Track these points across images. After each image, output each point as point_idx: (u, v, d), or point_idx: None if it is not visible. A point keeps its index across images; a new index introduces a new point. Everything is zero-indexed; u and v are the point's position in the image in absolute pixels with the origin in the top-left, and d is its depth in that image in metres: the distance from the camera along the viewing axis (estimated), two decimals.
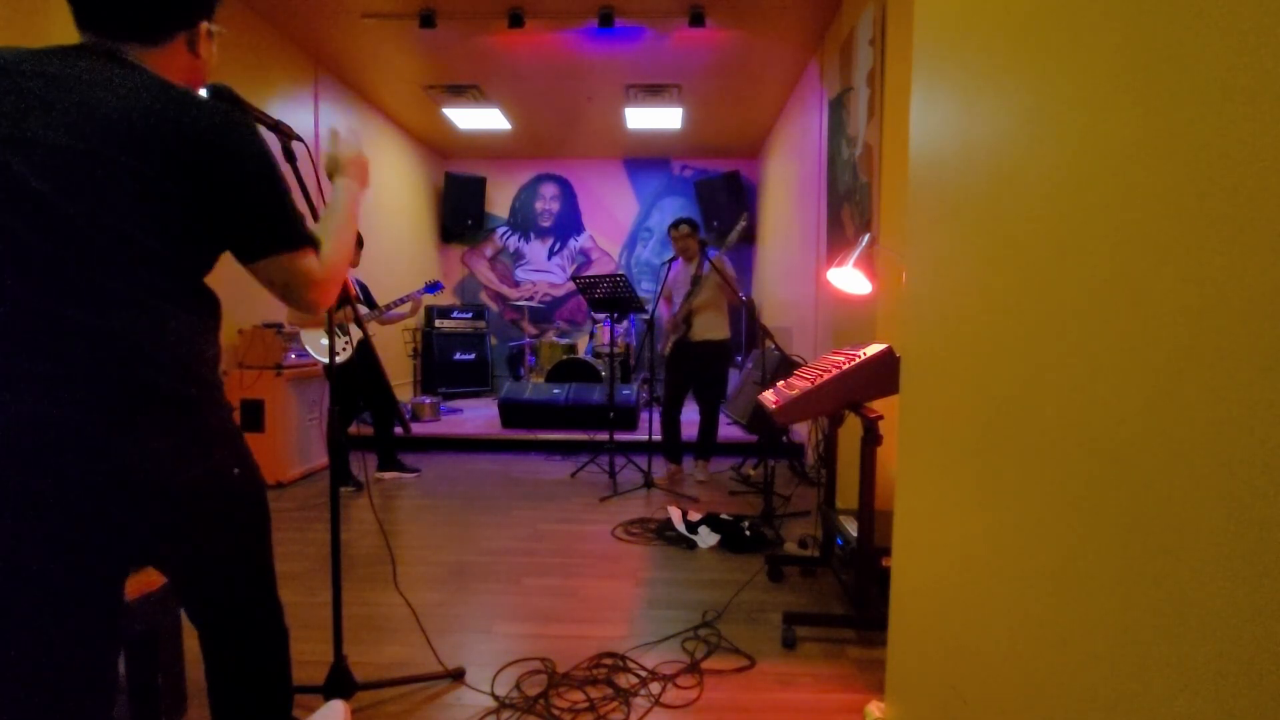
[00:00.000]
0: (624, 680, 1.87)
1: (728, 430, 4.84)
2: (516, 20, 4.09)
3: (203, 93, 1.13)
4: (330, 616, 1.68)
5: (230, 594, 1.16)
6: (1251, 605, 0.57)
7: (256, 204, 1.02)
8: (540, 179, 7.84)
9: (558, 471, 4.42)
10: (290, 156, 1.34)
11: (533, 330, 7.60)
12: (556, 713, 1.70)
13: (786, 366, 3.80)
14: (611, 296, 4.09)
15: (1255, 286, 0.58)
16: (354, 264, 3.85)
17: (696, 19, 4.08)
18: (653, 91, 5.49)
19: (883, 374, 1.98)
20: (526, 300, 7.68)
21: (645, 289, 7.54)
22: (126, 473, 0.91)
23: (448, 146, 7.32)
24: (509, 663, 1.95)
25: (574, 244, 7.86)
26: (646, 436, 4.38)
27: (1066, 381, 0.85)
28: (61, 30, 0.99)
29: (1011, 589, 0.98)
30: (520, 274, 7.92)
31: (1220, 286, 0.61)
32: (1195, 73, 0.65)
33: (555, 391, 5.41)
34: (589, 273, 7.33)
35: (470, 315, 7.32)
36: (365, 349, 3.65)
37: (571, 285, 7.66)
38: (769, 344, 3.61)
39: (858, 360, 2.01)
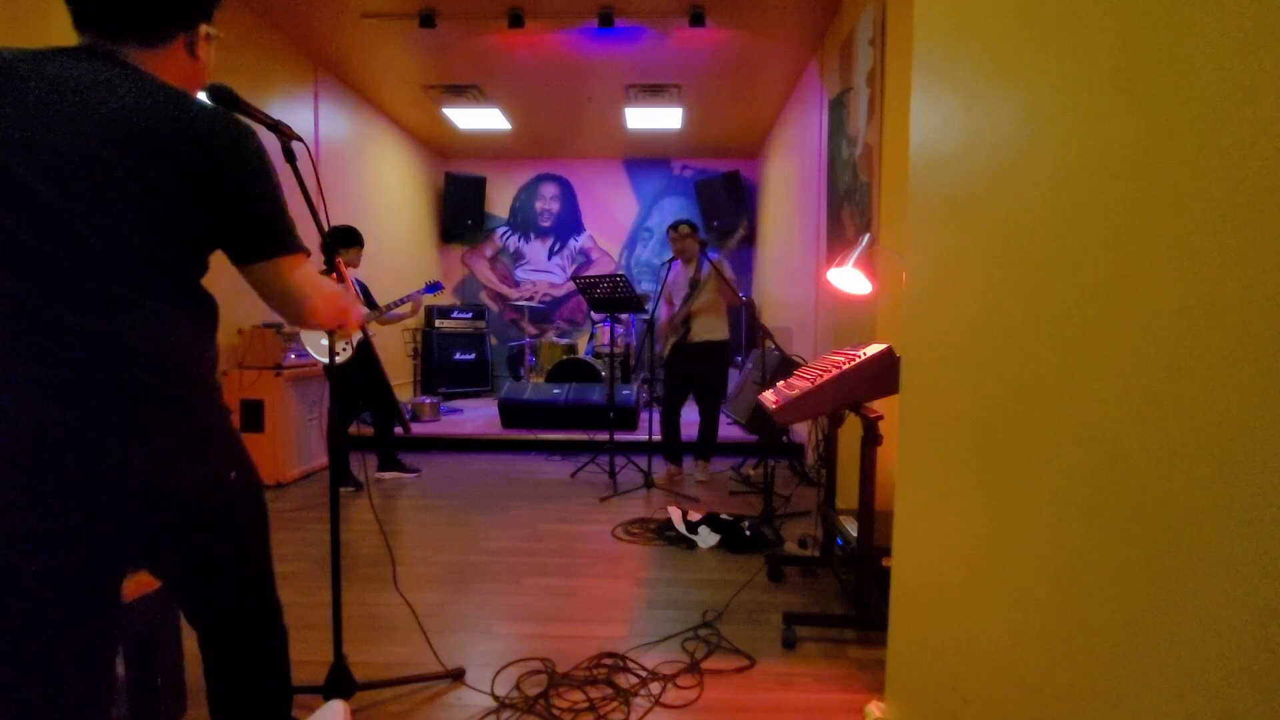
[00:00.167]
0: (624, 680, 1.87)
1: (728, 430, 4.84)
2: (516, 20, 4.09)
3: (202, 95, 1.13)
4: (330, 616, 1.68)
5: (229, 595, 1.16)
6: (1251, 605, 0.57)
7: (253, 206, 1.03)
8: (540, 179, 7.84)
9: (558, 471, 4.42)
10: (290, 156, 1.34)
11: (533, 330, 7.60)
12: (556, 713, 1.70)
13: (786, 366, 3.80)
14: (611, 296, 4.09)
15: (1255, 286, 0.58)
16: (354, 264, 3.86)
17: (696, 19, 4.08)
18: (653, 91, 5.49)
19: (883, 374, 1.98)
20: (526, 300, 7.68)
21: (645, 289, 7.53)
22: (125, 475, 0.91)
23: (448, 146, 7.32)
24: (509, 663, 1.95)
25: (574, 244, 7.86)
26: (646, 436, 4.38)
27: (1066, 381, 0.85)
28: (61, 31, 1.00)
29: (1011, 589, 0.98)
30: (520, 274, 7.92)
31: (1220, 286, 0.61)
32: (1195, 73, 0.65)
33: (555, 391, 5.41)
34: (589, 273, 7.33)
35: (470, 315, 7.32)
36: (365, 349, 3.65)
37: (571, 285, 7.66)
38: (769, 344, 3.62)
39: (858, 360, 2.01)
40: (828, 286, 3.03)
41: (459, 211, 7.51)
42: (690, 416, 4.25)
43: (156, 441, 0.94)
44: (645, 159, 7.69)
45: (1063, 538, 0.85)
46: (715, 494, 3.87)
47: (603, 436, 4.46)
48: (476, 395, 7.21)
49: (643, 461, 4.25)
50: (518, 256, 7.91)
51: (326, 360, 1.98)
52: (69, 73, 0.93)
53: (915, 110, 1.42)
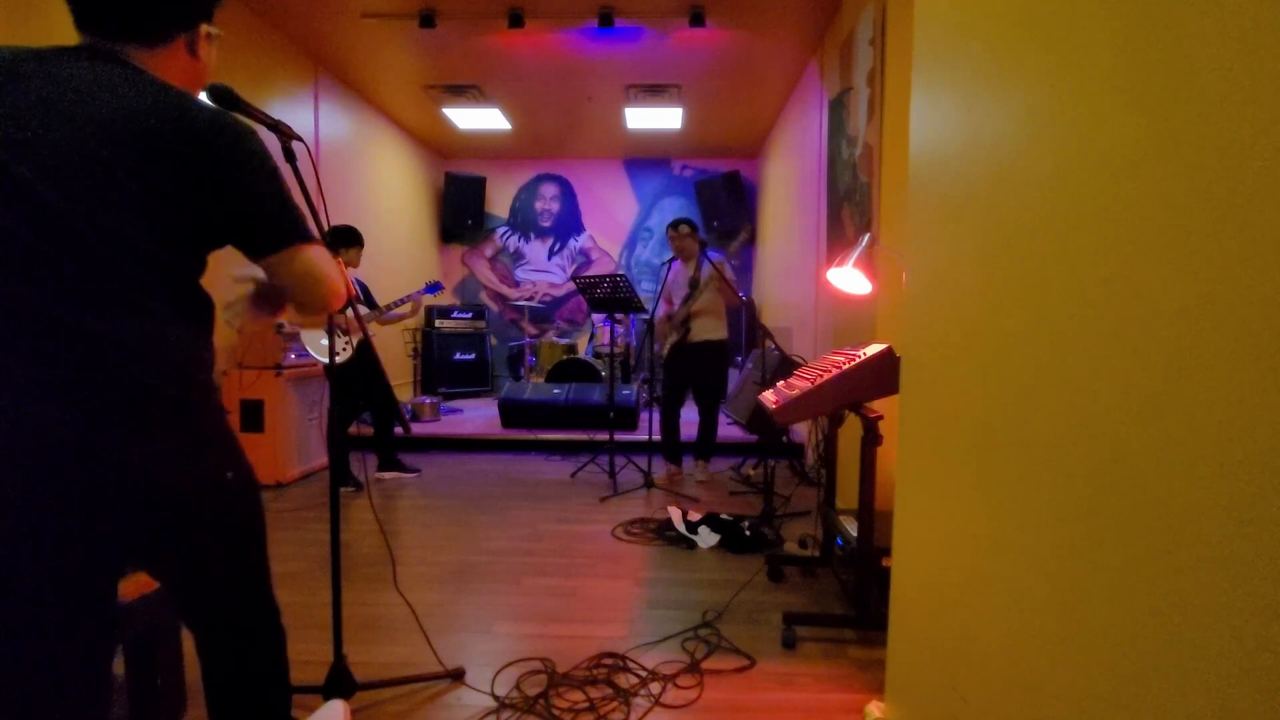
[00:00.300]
0: (624, 680, 1.87)
1: (728, 430, 4.84)
2: (516, 20, 4.09)
3: (202, 94, 1.13)
4: (330, 616, 1.68)
5: (226, 596, 1.16)
6: (1251, 605, 0.57)
7: (256, 203, 1.03)
8: (540, 179, 7.84)
9: (558, 471, 4.42)
10: (290, 156, 1.34)
11: (533, 330, 7.60)
12: (556, 713, 1.70)
13: (786, 366, 3.80)
14: (611, 297, 4.09)
15: (1255, 286, 0.58)
16: (354, 264, 3.86)
17: (696, 19, 4.08)
18: (653, 91, 5.49)
19: (883, 374, 1.97)
20: (526, 300, 7.68)
21: (645, 289, 7.53)
22: (124, 475, 0.91)
23: (448, 146, 7.32)
24: (509, 663, 1.95)
25: (574, 244, 7.86)
26: (646, 436, 4.38)
27: (1066, 381, 0.85)
28: (61, 31, 0.99)
29: (1011, 589, 0.98)
30: (520, 274, 7.92)
31: (1220, 286, 0.61)
32: (1195, 73, 0.65)
33: (555, 391, 5.41)
34: (589, 273, 7.33)
35: (470, 315, 7.32)
36: (365, 349, 3.65)
37: (571, 285, 7.66)
38: (769, 344, 3.62)
39: (858, 360, 2.01)
40: (828, 286, 3.03)
41: (459, 211, 7.51)
42: (690, 416, 4.25)
43: (156, 442, 0.94)
44: (645, 159, 7.69)
45: (1063, 538, 0.85)
46: (715, 494, 3.87)
47: (603, 436, 4.46)
48: (476, 395, 7.21)
49: (643, 461, 4.25)
50: (518, 256, 7.91)
51: (326, 360, 1.98)
52: (70, 72, 0.92)
53: (915, 110, 1.42)
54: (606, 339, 6.43)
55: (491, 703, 1.75)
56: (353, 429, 4.10)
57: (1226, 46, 0.61)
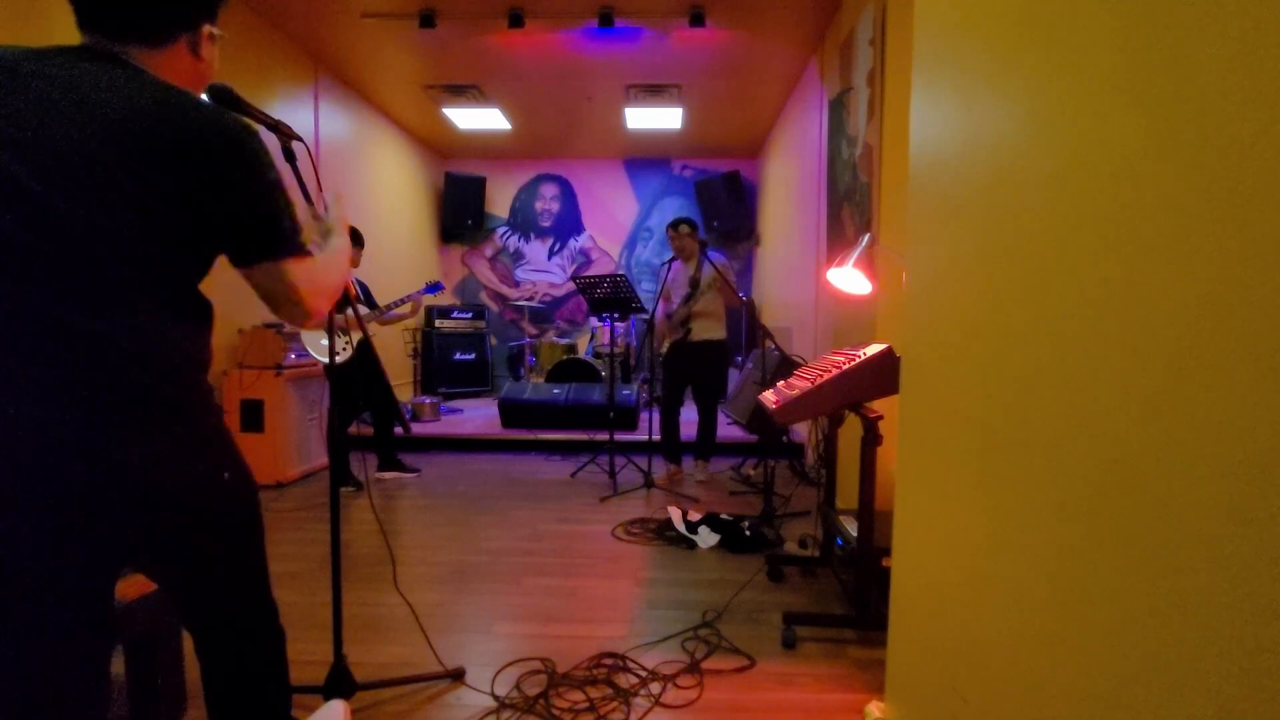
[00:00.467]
0: (624, 680, 1.87)
1: (728, 430, 4.84)
2: (516, 20, 4.09)
3: (202, 94, 1.13)
4: (330, 616, 1.68)
5: (225, 597, 1.16)
6: (1251, 605, 0.57)
7: (253, 208, 1.02)
8: (540, 179, 7.84)
9: (558, 471, 4.42)
10: (290, 156, 1.34)
11: (533, 330, 7.60)
12: (556, 713, 1.70)
13: (786, 366, 3.80)
14: (611, 297, 4.09)
15: (1255, 286, 0.58)
16: (354, 264, 3.86)
17: (696, 19, 4.08)
18: (653, 91, 5.49)
19: (883, 374, 1.97)
20: (526, 300, 7.68)
21: (645, 289, 7.53)
22: (123, 475, 0.91)
23: (448, 146, 7.32)
24: (509, 663, 1.95)
25: (574, 244, 7.86)
26: (646, 436, 4.38)
27: (1067, 381, 0.85)
28: (62, 31, 0.99)
29: (1011, 589, 0.98)
30: (520, 274, 7.92)
31: (1220, 286, 0.61)
32: (1195, 73, 0.65)
33: (555, 391, 5.41)
34: (589, 273, 7.33)
35: (470, 315, 7.32)
36: (365, 349, 3.65)
37: (571, 285, 7.66)
38: (769, 344, 3.61)
39: (858, 360, 2.01)
40: (828, 286, 3.03)
41: (459, 211, 7.51)
42: (690, 416, 4.25)
43: (155, 443, 0.94)
44: (645, 159, 7.69)
45: (1063, 537, 0.85)
46: (715, 494, 3.87)
47: (603, 436, 4.46)
48: (476, 395, 7.21)
49: (643, 461, 4.25)
50: (518, 256, 7.91)
51: (326, 360, 1.98)
52: (71, 73, 0.92)
53: (915, 110, 1.42)
54: (606, 339, 6.43)
55: (491, 703, 1.75)
56: (353, 429, 4.10)
57: (1226, 46, 0.61)
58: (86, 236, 0.89)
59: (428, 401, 5.80)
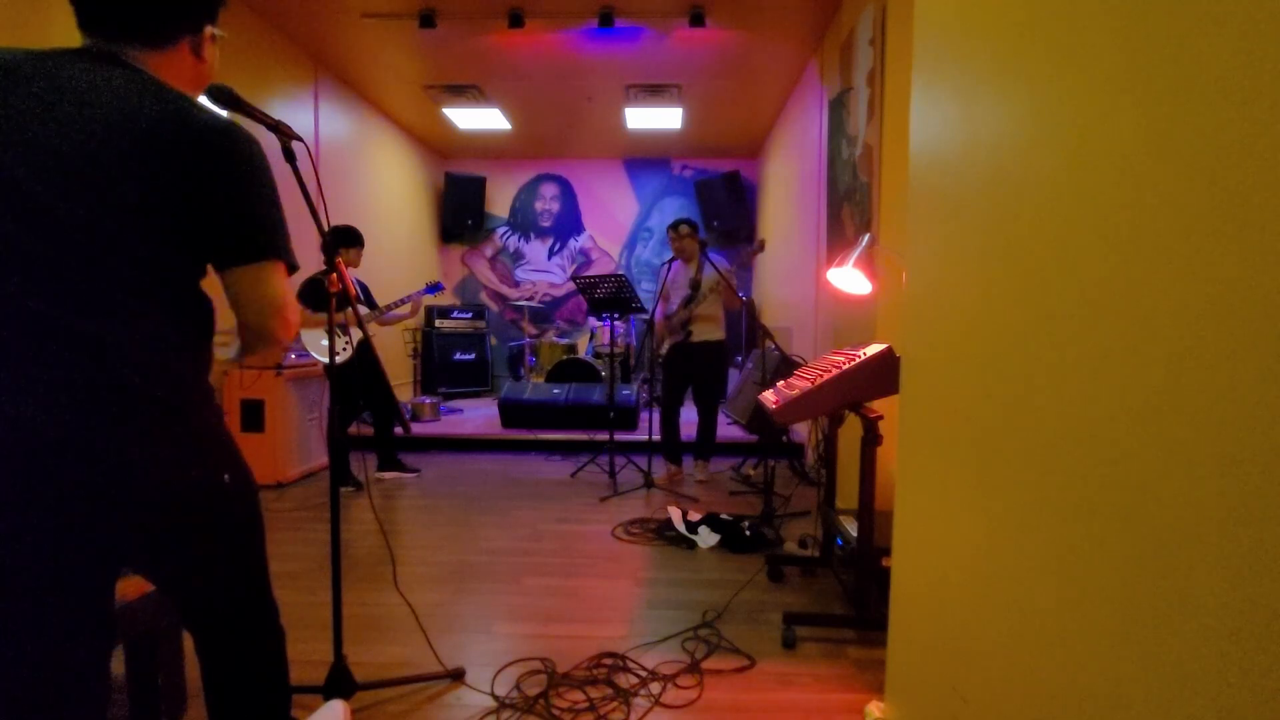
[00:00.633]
0: (624, 680, 1.87)
1: (728, 430, 4.84)
2: (516, 20, 4.09)
3: (202, 95, 1.13)
4: (330, 616, 1.68)
5: (225, 599, 1.16)
6: (1251, 605, 0.57)
7: (248, 209, 1.01)
8: (540, 179, 7.84)
9: (558, 471, 4.42)
10: (290, 156, 1.34)
11: (533, 330, 7.60)
12: (556, 713, 1.70)
13: (786, 366, 3.80)
14: (611, 297, 4.09)
15: (1256, 286, 0.58)
16: (354, 264, 3.86)
17: (696, 19, 4.08)
18: (653, 91, 5.49)
19: (883, 374, 1.97)
20: (526, 300, 7.68)
21: (645, 289, 7.54)
22: (123, 477, 0.91)
23: (448, 146, 7.32)
24: (509, 663, 1.95)
25: (574, 244, 7.86)
26: (646, 436, 4.38)
27: (1066, 381, 0.85)
28: (62, 31, 0.99)
29: (1011, 589, 0.98)
30: (520, 274, 7.92)
31: (1220, 286, 0.61)
32: (1195, 73, 0.65)
33: (555, 391, 5.41)
34: (589, 273, 7.34)
35: (470, 315, 7.32)
36: (365, 349, 3.65)
37: (571, 285, 7.66)
38: (769, 344, 3.62)
39: (858, 360, 2.01)
40: (828, 286, 3.03)
41: (459, 211, 7.51)
42: (689, 416, 4.25)
43: (154, 444, 0.94)
44: (645, 159, 7.69)
45: (1063, 537, 0.85)
46: (715, 494, 3.87)
47: (603, 436, 4.46)
48: (476, 395, 7.21)
49: (643, 461, 4.25)
50: (518, 256, 7.91)
51: (326, 360, 1.98)
52: (71, 74, 0.92)
53: (915, 110, 1.42)
54: (606, 339, 6.43)
55: (491, 703, 1.75)
56: (353, 429, 4.10)
57: (1226, 46, 0.61)
58: (86, 238, 0.89)
59: (428, 401, 5.80)
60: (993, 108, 1.08)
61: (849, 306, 3.47)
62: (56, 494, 0.88)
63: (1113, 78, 0.77)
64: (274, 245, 1.04)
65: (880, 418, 2.04)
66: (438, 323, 7.04)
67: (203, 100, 1.05)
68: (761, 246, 4.17)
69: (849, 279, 2.46)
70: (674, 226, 4.05)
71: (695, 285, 3.94)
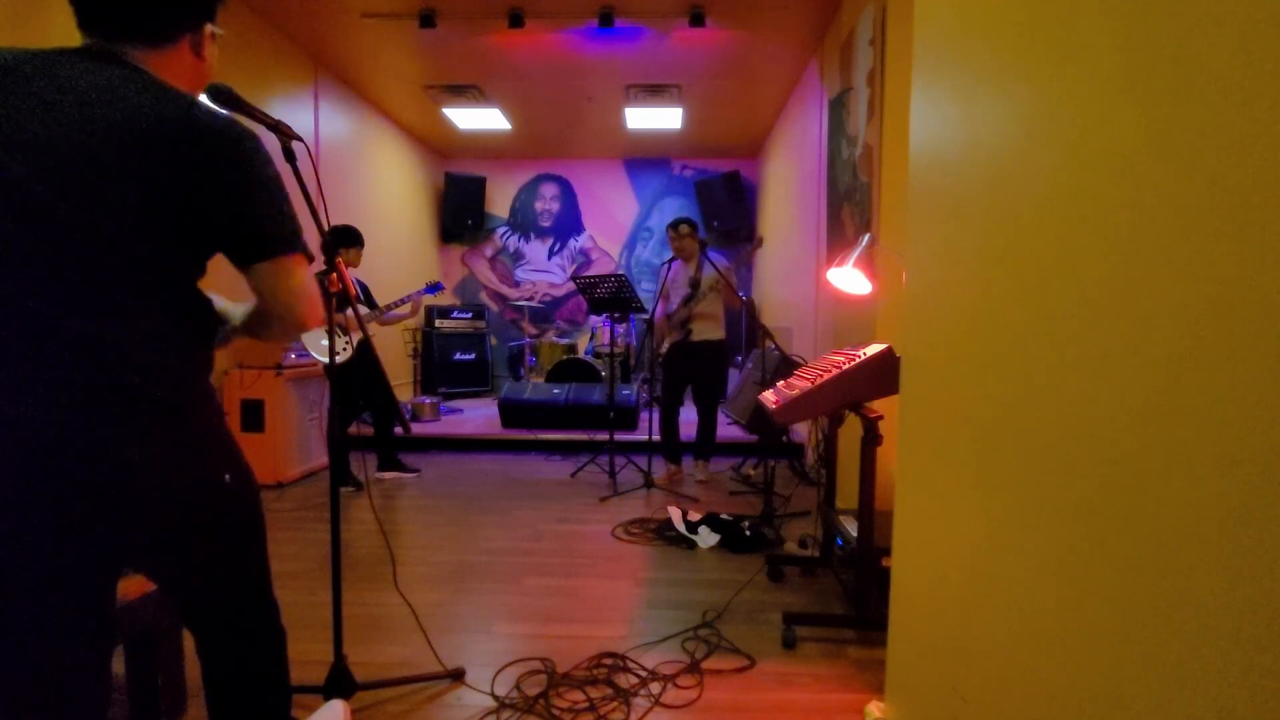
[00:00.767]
0: (624, 680, 1.87)
1: (728, 430, 4.84)
2: (516, 20, 4.09)
3: (202, 95, 1.13)
4: (330, 616, 1.68)
5: (226, 598, 1.16)
6: (1251, 605, 0.57)
7: (251, 208, 1.01)
8: (540, 179, 7.84)
9: (558, 471, 4.42)
10: (290, 157, 1.34)
11: (533, 330, 7.60)
12: (556, 713, 1.70)
13: (786, 366, 3.80)
14: (612, 297, 4.09)
15: (1256, 286, 0.58)
16: (354, 264, 3.86)
17: (696, 19, 4.08)
18: (653, 91, 5.49)
19: (883, 374, 1.97)
20: (526, 300, 7.68)
21: (645, 289, 7.53)
22: (124, 477, 0.91)
23: (448, 146, 7.32)
24: (509, 663, 1.95)
25: (574, 244, 7.86)
26: (646, 436, 4.38)
27: (1066, 381, 0.85)
28: (62, 31, 0.99)
29: (1012, 589, 0.98)
30: (520, 274, 7.92)
31: (1220, 286, 0.61)
32: (1195, 73, 0.65)
33: (555, 391, 5.41)
34: (589, 273, 7.34)
35: (470, 315, 7.32)
36: (365, 349, 3.65)
37: (571, 285, 7.66)
38: (769, 344, 3.62)
39: (858, 360, 2.01)
40: (828, 286, 3.03)
41: (459, 211, 7.51)
42: (689, 416, 4.25)
43: (154, 445, 0.94)
44: (645, 159, 7.69)
45: (1063, 537, 0.85)
46: (715, 494, 3.87)
47: (603, 436, 4.46)
48: (476, 395, 7.21)
49: (643, 461, 4.25)
50: (518, 256, 7.91)
51: (326, 360, 1.98)
52: (71, 74, 0.92)
53: (915, 110, 1.42)
54: (606, 339, 6.43)
55: (491, 703, 1.75)
56: (353, 429, 4.10)
57: (1226, 46, 0.61)
58: (86, 238, 0.89)
59: (428, 401, 5.80)
60: (993, 108, 1.08)
61: (849, 306, 3.47)
62: (56, 494, 0.88)
63: (1113, 78, 0.77)
64: (288, 239, 1.05)
65: (880, 418, 2.04)
66: (438, 323, 7.04)
67: (202, 99, 1.05)
68: (760, 243, 4.18)
69: (849, 279, 2.46)
70: (674, 226, 4.05)
71: (695, 284, 3.94)
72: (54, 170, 0.88)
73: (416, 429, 5.21)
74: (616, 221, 7.82)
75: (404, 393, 6.72)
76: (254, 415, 3.84)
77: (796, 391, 2.08)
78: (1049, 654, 0.87)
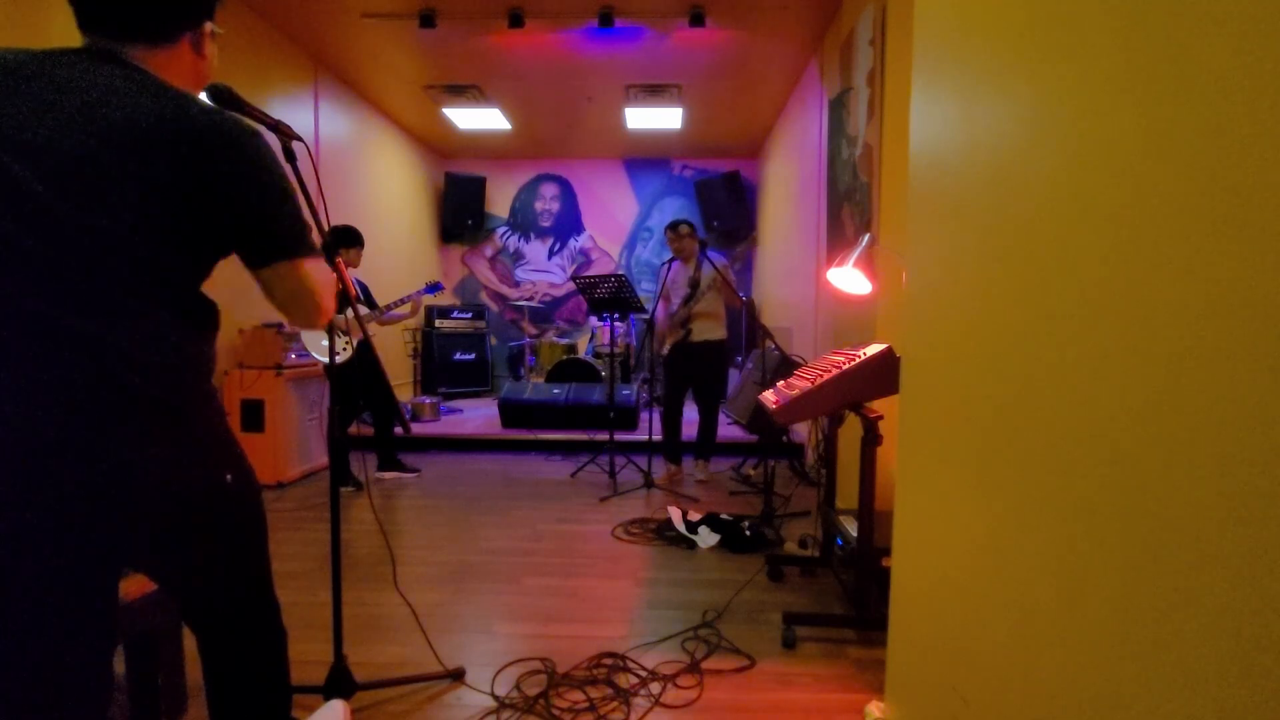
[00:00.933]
0: (624, 680, 1.87)
1: (728, 430, 4.84)
2: (516, 20, 4.09)
3: (202, 94, 1.13)
4: (330, 616, 1.68)
5: (227, 598, 1.16)
6: (1251, 604, 0.57)
7: (256, 209, 1.02)
8: (540, 179, 7.84)
9: (558, 471, 4.42)
10: (290, 156, 1.34)
11: (533, 330, 7.60)
12: (556, 713, 1.70)
13: (786, 366, 3.80)
14: (612, 297, 4.09)
15: (1255, 286, 0.58)
16: (354, 264, 3.86)
17: (696, 19, 4.08)
18: (653, 91, 5.49)
19: (883, 374, 1.97)
20: (526, 300, 7.68)
21: (645, 289, 7.53)
22: (125, 478, 0.91)
23: (448, 146, 7.32)
24: (509, 663, 1.95)
25: (574, 244, 7.86)
26: (646, 436, 4.38)
27: (1067, 381, 0.85)
28: (62, 31, 0.99)
29: (1012, 589, 0.98)
30: (520, 274, 7.92)
31: (1220, 286, 0.61)
32: (1195, 73, 0.65)
33: (555, 391, 5.41)
34: (589, 273, 7.34)
35: (470, 315, 7.32)
36: (365, 349, 3.65)
37: (571, 285, 7.66)
38: (769, 344, 3.61)
39: (858, 360, 2.01)
40: (828, 286, 3.03)
41: (459, 211, 7.51)
42: (690, 416, 4.25)
43: (156, 446, 0.94)
44: (645, 159, 7.69)
45: (1063, 537, 0.85)
46: (715, 494, 3.87)
47: (603, 436, 4.46)
48: (476, 395, 7.21)
49: (643, 461, 4.25)
50: (518, 256, 7.91)
51: (326, 360, 1.98)
52: (71, 74, 0.92)
53: (915, 110, 1.42)
54: (606, 339, 6.43)
55: (491, 703, 1.75)
56: (353, 429, 4.10)
57: (1226, 46, 0.61)
58: (88, 239, 0.89)
59: (428, 401, 5.80)
60: (993, 108, 1.08)
61: (849, 306, 3.47)
62: (57, 494, 0.88)
63: (1113, 78, 0.77)
64: (294, 243, 1.05)
65: (880, 418, 2.04)
66: (438, 323, 7.04)
67: (201, 98, 1.05)
68: (754, 241, 4.16)
69: (849, 279, 2.46)
70: (673, 227, 4.05)
71: (694, 284, 3.94)
72: (54, 171, 0.88)
73: (416, 429, 5.21)
74: (616, 221, 7.82)
75: (404, 393, 6.72)
76: (254, 415, 3.84)
77: (796, 391, 2.08)
78: (1049, 654, 0.87)
